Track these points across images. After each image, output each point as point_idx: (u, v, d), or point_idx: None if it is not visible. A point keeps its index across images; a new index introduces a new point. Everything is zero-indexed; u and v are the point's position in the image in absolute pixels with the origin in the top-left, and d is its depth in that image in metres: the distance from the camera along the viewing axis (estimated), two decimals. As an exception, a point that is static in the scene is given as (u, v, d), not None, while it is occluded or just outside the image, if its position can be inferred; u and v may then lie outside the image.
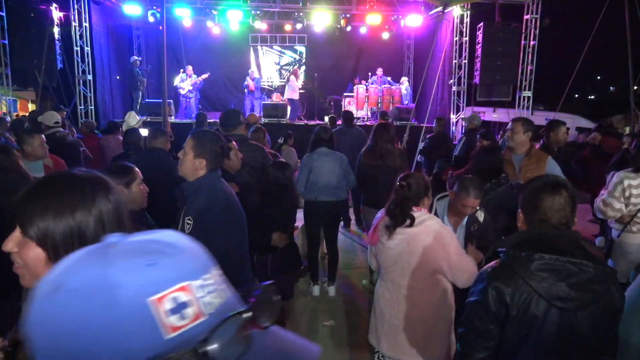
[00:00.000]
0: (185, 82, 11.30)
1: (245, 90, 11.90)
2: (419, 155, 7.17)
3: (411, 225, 2.28)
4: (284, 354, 0.50)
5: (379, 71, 12.43)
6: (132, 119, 6.35)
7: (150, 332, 0.44)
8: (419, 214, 2.33)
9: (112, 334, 0.43)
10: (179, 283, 0.46)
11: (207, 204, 2.18)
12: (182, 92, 11.33)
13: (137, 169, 2.37)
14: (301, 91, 12.56)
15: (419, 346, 2.35)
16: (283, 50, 14.02)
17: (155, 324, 0.44)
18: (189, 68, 11.45)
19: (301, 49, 13.95)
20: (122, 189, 2.22)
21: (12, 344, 1.04)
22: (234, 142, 3.36)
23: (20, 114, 10.10)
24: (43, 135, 3.95)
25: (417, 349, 2.35)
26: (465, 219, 2.85)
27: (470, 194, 2.68)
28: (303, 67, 13.99)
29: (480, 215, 2.84)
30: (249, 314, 0.47)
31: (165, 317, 0.44)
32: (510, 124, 3.73)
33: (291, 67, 13.93)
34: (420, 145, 7.25)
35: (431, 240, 2.26)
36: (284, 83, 13.17)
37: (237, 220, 2.31)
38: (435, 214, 2.87)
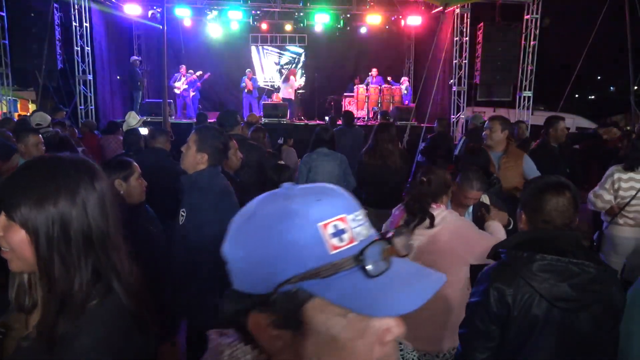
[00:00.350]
0: (179, 81, 11.29)
1: (244, 90, 11.90)
2: (419, 155, 7.16)
3: (431, 225, 2.26)
4: (419, 274, 0.63)
5: (373, 72, 12.40)
6: (133, 119, 6.35)
7: (319, 247, 0.59)
8: (438, 211, 2.31)
9: (293, 248, 0.59)
10: (338, 215, 0.61)
11: (200, 199, 2.24)
12: (177, 91, 11.32)
13: (135, 164, 2.42)
14: (301, 91, 12.54)
15: (438, 336, 2.34)
16: (282, 52, 14.01)
17: (323, 241, 0.59)
18: (183, 67, 11.45)
19: (298, 49, 13.91)
20: (121, 182, 2.29)
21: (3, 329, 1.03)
22: (234, 141, 3.37)
23: (22, 114, 10.10)
24: (40, 136, 3.86)
25: (436, 339, 2.34)
26: (471, 208, 2.87)
27: (474, 186, 2.69)
28: (300, 67, 13.96)
29: (486, 199, 2.86)
30: (390, 242, 0.63)
31: (329, 238, 0.59)
32: (487, 122, 3.78)
33: (291, 66, 13.94)
34: (421, 145, 7.25)
35: (452, 237, 2.26)
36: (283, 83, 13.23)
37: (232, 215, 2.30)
38: None
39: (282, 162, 3.32)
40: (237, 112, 4.58)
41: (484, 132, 3.75)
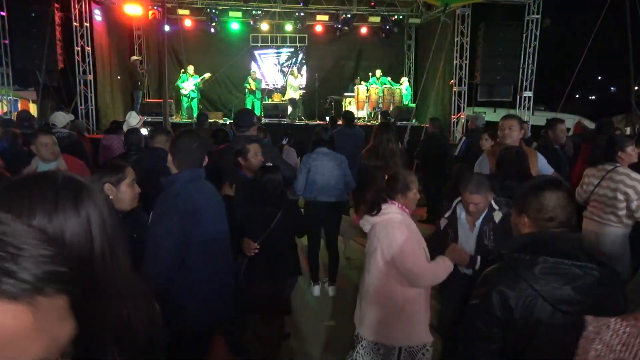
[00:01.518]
0: (187, 82, 11.30)
1: (246, 90, 11.90)
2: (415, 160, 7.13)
3: (376, 215, 2.51)
4: None
5: (378, 73, 12.41)
6: (133, 118, 6.35)
7: None
8: (387, 206, 2.51)
9: None
10: None
11: (159, 203, 2.22)
12: (185, 92, 11.32)
13: (130, 169, 2.33)
14: (302, 91, 12.51)
15: (376, 327, 2.53)
16: (279, 51, 13.99)
17: None
18: (191, 68, 11.45)
19: (291, 47, 13.84)
20: (111, 187, 2.22)
21: None
22: (256, 144, 3.36)
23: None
24: (49, 137, 3.61)
25: (375, 330, 2.54)
26: (481, 217, 2.72)
27: (467, 189, 2.66)
28: (302, 65, 13.95)
29: (497, 216, 2.68)
30: None
31: None
32: (505, 121, 3.74)
33: (290, 62, 13.93)
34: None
35: (383, 233, 2.45)
36: (284, 84, 13.25)
37: (193, 224, 2.20)
38: (454, 213, 2.86)
39: (270, 164, 3.23)
40: (252, 111, 4.55)
41: (500, 132, 3.73)
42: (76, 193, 0.84)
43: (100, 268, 0.84)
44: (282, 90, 13.27)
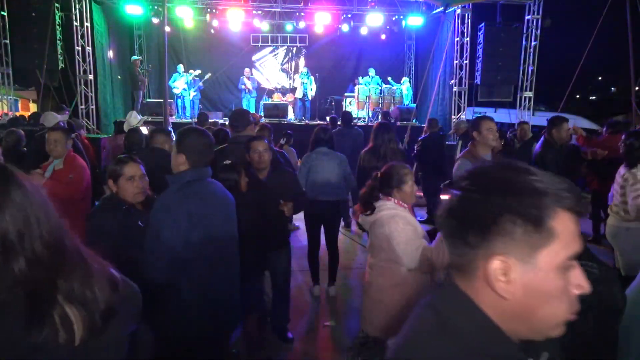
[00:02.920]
0: (179, 81, 11.29)
1: (244, 89, 11.89)
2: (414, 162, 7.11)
3: (371, 214, 2.52)
4: None
5: (371, 72, 12.36)
6: (134, 118, 6.35)
7: None
8: (381, 203, 2.50)
9: None
10: None
11: (160, 199, 2.19)
12: (177, 91, 11.31)
13: (128, 166, 2.45)
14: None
15: (382, 323, 2.48)
16: (276, 52, 13.98)
17: None
18: (181, 67, 11.45)
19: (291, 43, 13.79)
20: (112, 183, 2.42)
21: None
22: (264, 142, 3.35)
23: (22, 114, 10.10)
24: (48, 135, 3.73)
25: (380, 327, 2.49)
26: None
27: None
28: (297, 54, 13.91)
29: None
30: None
31: None
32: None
33: (288, 59, 13.91)
34: (415, 146, 7.19)
35: (382, 229, 2.45)
36: (290, 84, 13.29)
37: (192, 226, 2.16)
38: None
39: (228, 162, 3.16)
40: (248, 111, 4.53)
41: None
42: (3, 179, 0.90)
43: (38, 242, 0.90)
44: (283, 90, 13.29)
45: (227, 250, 2.36)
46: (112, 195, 2.50)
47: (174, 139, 2.36)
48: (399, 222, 2.42)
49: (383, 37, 13.18)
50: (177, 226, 2.11)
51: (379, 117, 11.24)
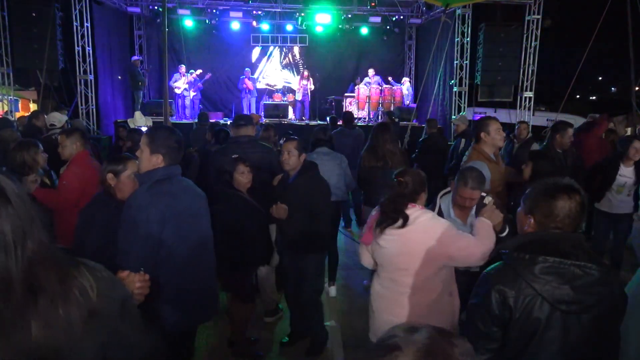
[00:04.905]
0: (179, 81, 11.28)
1: (244, 89, 11.88)
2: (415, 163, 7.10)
3: (404, 225, 2.24)
4: None
5: (370, 72, 12.34)
6: (139, 119, 6.40)
7: None
8: (413, 210, 2.30)
9: None
10: None
11: (131, 199, 2.19)
12: (177, 91, 11.32)
13: (132, 163, 2.46)
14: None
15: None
16: (277, 51, 13.96)
17: None
18: (182, 67, 11.45)
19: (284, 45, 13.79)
20: (112, 176, 2.45)
21: None
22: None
23: (23, 114, 10.10)
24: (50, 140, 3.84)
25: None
26: (474, 209, 2.72)
27: (468, 184, 2.61)
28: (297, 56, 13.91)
29: (488, 199, 2.65)
30: None
31: None
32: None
33: (287, 57, 13.91)
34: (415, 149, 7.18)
35: (424, 237, 2.22)
36: (290, 84, 13.26)
37: (164, 224, 2.16)
38: (440, 211, 2.83)
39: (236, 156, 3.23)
40: (249, 116, 4.59)
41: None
42: None
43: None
44: (283, 90, 13.27)
45: (201, 247, 2.37)
46: (104, 191, 2.53)
47: (147, 140, 2.24)
48: (438, 219, 2.35)
49: (383, 37, 13.16)
50: (149, 225, 2.11)
51: (379, 117, 11.25)
